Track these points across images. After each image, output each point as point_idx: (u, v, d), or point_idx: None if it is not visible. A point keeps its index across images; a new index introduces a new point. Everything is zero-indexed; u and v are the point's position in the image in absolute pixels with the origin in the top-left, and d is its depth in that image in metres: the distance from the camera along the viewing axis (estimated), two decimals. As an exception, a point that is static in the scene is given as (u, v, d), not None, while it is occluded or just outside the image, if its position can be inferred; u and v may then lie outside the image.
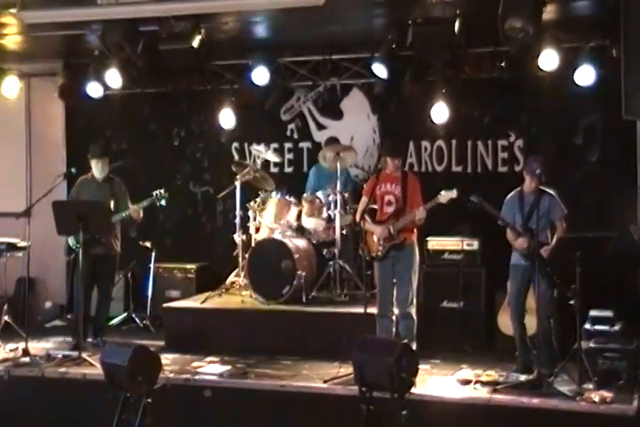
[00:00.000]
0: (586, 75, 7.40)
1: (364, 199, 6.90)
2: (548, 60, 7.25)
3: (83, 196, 7.60)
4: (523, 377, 6.12)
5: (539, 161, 6.42)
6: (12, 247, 7.93)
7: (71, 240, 7.40)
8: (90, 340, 7.42)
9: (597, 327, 6.25)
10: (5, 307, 7.86)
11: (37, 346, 7.53)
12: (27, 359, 6.95)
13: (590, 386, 5.85)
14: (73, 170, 7.86)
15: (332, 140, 8.46)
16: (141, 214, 7.51)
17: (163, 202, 7.50)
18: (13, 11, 6.72)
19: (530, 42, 6.71)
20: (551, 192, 6.43)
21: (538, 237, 6.21)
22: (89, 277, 7.33)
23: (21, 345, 7.16)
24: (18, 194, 9.40)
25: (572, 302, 6.01)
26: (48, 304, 9.34)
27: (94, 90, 8.51)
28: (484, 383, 6.02)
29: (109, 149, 7.73)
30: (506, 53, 7.51)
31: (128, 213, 7.41)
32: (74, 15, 6.80)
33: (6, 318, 7.77)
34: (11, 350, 7.24)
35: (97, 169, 7.57)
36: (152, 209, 7.69)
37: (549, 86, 7.80)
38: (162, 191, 7.49)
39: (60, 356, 6.98)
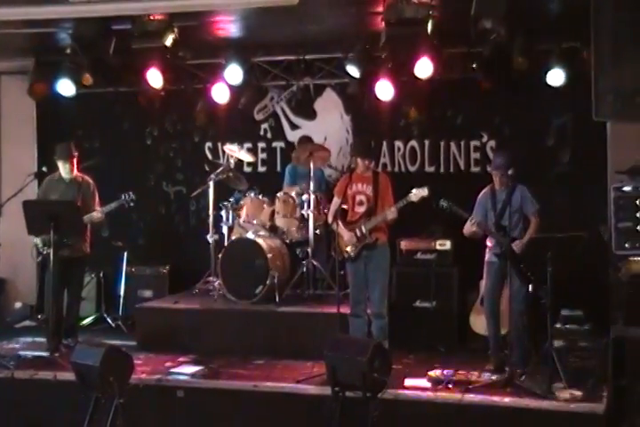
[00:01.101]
0: (557, 76, 7.50)
1: (335, 200, 6.90)
2: (520, 61, 7.32)
3: (51, 196, 7.41)
4: (495, 376, 6.16)
5: (504, 156, 6.46)
6: (-19, 247, 7.82)
7: (38, 242, 7.24)
8: (63, 341, 7.34)
9: (568, 326, 6.32)
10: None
11: (7, 347, 7.45)
12: (-4, 360, 6.88)
13: (561, 385, 5.88)
14: (44, 169, 7.74)
15: (306, 140, 8.46)
16: (103, 218, 7.35)
17: (131, 204, 7.37)
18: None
19: (502, 43, 6.77)
20: (522, 186, 6.45)
21: (511, 235, 6.23)
22: (59, 279, 7.21)
23: (-10, 346, 7.10)
24: (-13, 193, 9.30)
25: (543, 301, 6.07)
26: (18, 305, 9.24)
27: (66, 88, 8.44)
28: (456, 383, 6.04)
29: (77, 148, 7.54)
30: (478, 54, 7.56)
31: (90, 217, 7.25)
32: (45, 13, 6.73)
33: (-25, 318, 7.71)
34: (-20, 352, 7.16)
35: (64, 170, 7.38)
36: (124, 209, 7.61)
37: (521, 87, 7.87)
38: (130, 194, 7.28)
39: (30, 356, 6.91)
